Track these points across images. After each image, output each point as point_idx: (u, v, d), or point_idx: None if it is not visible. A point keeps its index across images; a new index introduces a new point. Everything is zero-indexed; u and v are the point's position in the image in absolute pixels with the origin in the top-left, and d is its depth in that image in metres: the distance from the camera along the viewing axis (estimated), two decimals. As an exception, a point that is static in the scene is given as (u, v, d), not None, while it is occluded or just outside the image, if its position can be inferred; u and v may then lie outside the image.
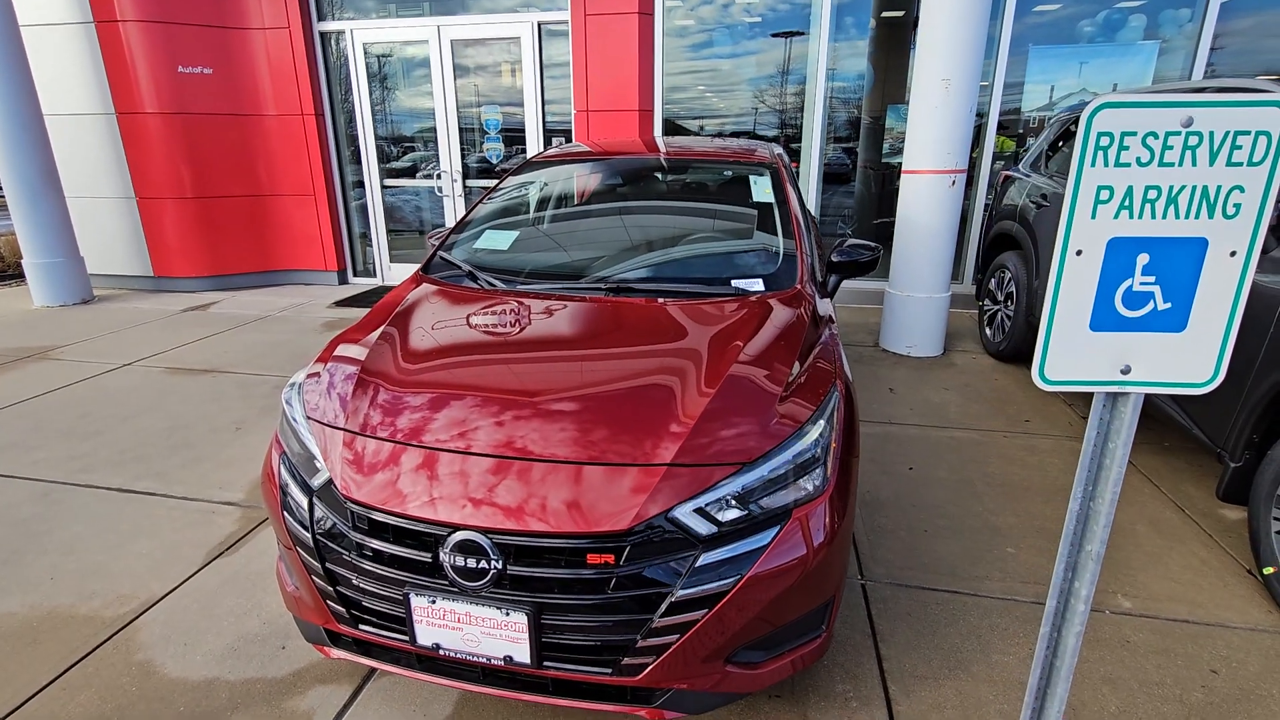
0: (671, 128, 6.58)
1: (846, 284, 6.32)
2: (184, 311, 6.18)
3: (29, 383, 4.35)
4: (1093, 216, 1.07)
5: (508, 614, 1.49)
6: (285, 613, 2.24)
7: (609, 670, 1.52)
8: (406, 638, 1.59)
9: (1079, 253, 1.09)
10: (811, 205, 6.28)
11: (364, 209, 7.28)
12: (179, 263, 6.85)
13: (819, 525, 1.59)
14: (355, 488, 1.59)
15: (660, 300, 2.26)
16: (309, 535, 1.66)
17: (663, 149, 3.35)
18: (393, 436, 1.67)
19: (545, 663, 1.54)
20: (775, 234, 2.65)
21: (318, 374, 1.97)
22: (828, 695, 1.91)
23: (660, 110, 6.45)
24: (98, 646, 2.11)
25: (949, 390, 4.18)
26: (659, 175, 3.27)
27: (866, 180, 6.63)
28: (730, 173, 3.21)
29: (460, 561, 1.48)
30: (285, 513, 1.73)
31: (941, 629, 2.17)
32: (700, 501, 1.51)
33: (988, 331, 4.89)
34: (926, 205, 4.51)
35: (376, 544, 1.56)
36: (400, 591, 1.55)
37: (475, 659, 1.56)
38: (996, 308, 4.77)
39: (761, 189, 2.87)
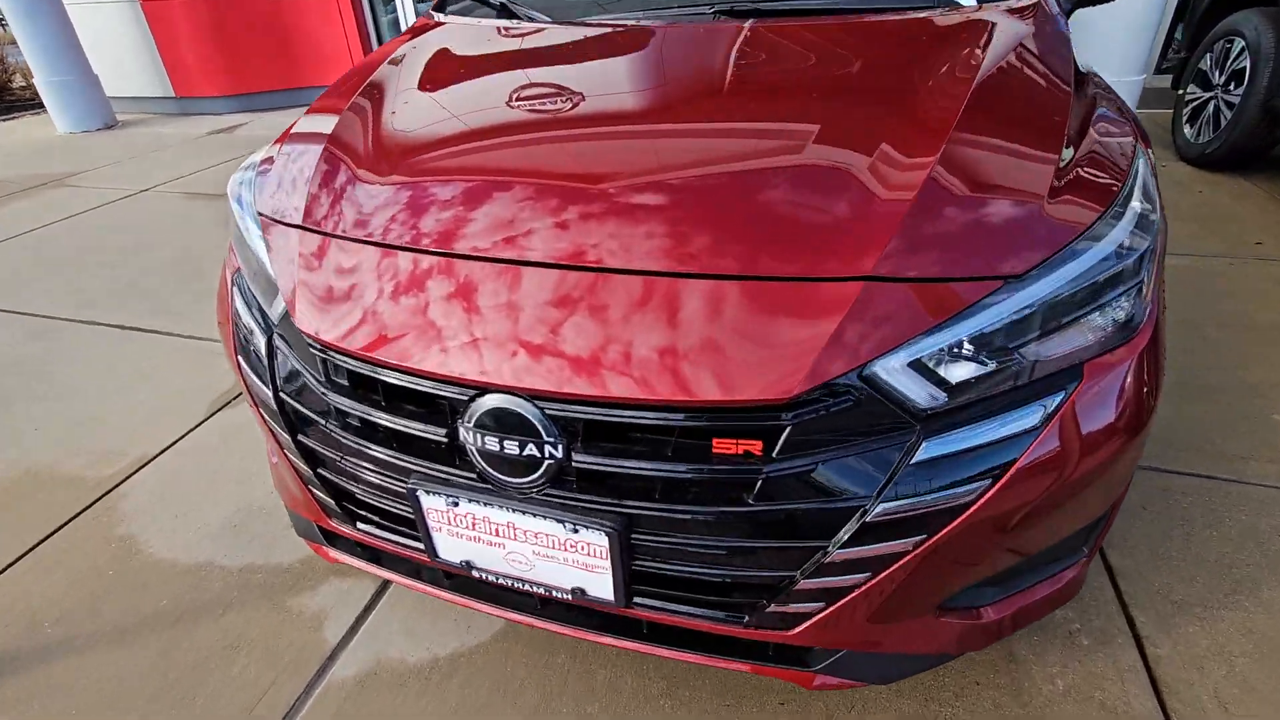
0: None
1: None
2: (208, 135, 5.55)
3: (40, 211, 3.90)
4: None
5: (576, 530, 0.89)
6: (297, 480, 1.77)
7: (742, 618, 0.93)
8: (423, 548, 1.03)
9: None
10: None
11: (396, 24, 6.22)
12: (199, 81, 6.12)
13: (1126, 392, 0.87)
14: (319, 322, 0.96)
15: (811, 20, 1.42)
16: (270, 393, 1.07)
17: None
18: (377, 237, 1.01)
19: (637, 599, 0.96)
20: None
21: (272, 158, 1.29)
22: (1044, 630, 1.30)
23: None
24: (76, 515, 1.70)
25: (1137, 207, 3.18)
26: None
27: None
28: None
29: (492, 445, 0.86)
30: (240, 358, 1.14)
31: (1199, 531, 1.49)
32: (920, 348, 0.81)
33: (1187, 130, 3.70)
34: (1137, -58, 3.20)
35: (360, 410, 0.95)
36: (404, 484, 0.96)
37: (527, 589, 0.99)
38: (1208, 95, 3.56)
39: None
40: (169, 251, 3.23)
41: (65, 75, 5.64)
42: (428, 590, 1.12)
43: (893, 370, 0.81)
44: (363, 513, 1.10)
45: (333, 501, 1.10)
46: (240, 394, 2.14)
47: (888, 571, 0.85)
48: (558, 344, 0.83)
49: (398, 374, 0.90)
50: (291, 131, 1.35)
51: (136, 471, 1.84)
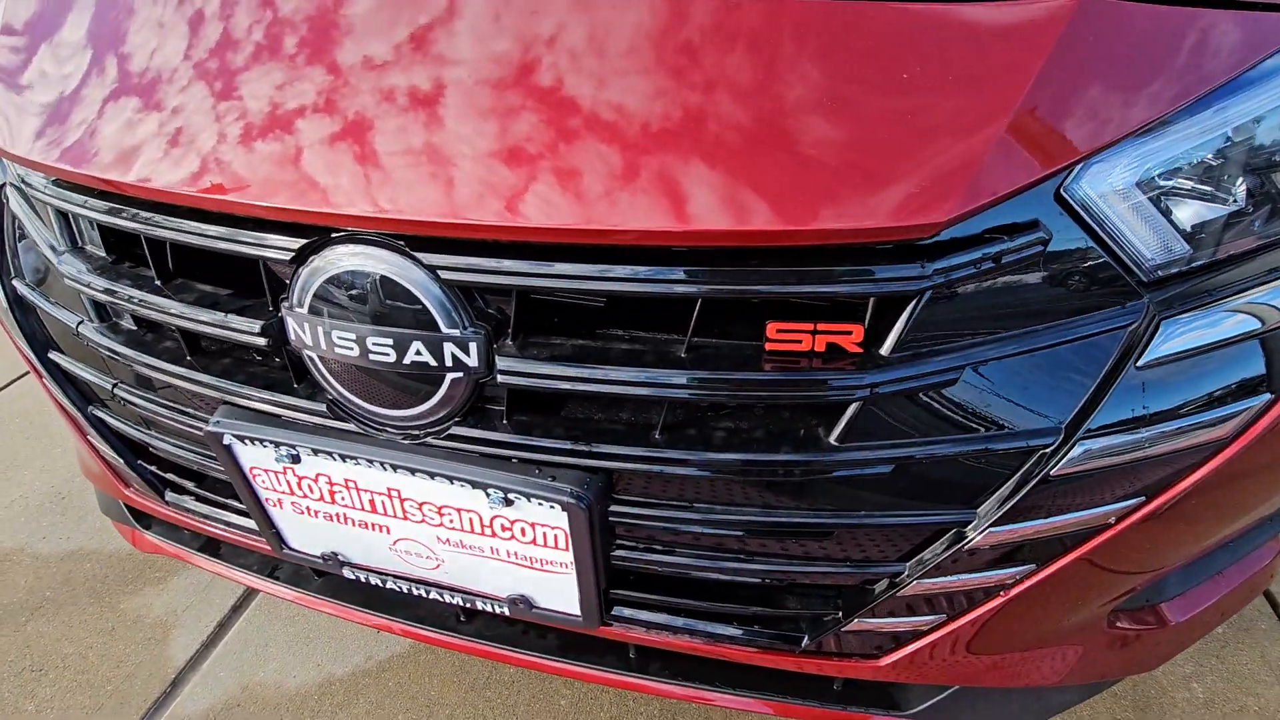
0: None
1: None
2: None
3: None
4: None
5: (508, 501, 0.49)
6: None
7: (798, 641, 0.55)
8: (259, 533, 0.63)
9: None
10: None
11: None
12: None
13: None
14: (24, 128, 0.52)
15: None
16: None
17: None
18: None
19: (617, 611, 0.57)
20: None
21: None
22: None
23: None
24: None
25: None
26: None
27: None
28: None
29: (346, 345, 0.45)
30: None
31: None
32: (1160, 149, 0.42)
33: None
34: None
35: (119, 291, 0.53)
36: (205, 426, 0.55)
37: (433, 597, 0.60)
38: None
39: None
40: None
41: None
42: (288, 595, 0.72)
43: (1110, 194, 0.42)
44: (170, 477, 0.68)
45: (123, 460, 0.68)
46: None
47: (1065, 561, 0.48)
48: (466, 139, 0.42)
49: (166, 215, 0.48)
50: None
51: (-59, 427, 1.39)
